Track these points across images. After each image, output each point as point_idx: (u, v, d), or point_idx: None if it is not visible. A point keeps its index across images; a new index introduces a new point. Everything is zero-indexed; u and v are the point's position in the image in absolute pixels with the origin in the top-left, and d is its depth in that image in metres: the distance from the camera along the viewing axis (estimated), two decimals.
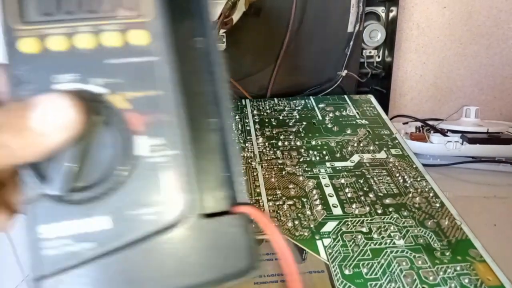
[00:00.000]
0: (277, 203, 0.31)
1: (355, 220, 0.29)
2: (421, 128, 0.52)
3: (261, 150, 0.38)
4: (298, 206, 0.30)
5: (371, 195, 0.31)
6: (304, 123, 0.42)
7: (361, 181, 0.33)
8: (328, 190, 0.32)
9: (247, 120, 0.43)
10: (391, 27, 0.55)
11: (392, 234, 0.28)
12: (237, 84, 0.48)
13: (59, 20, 0.16)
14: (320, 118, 0.43)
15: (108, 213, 0.16)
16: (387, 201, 0.31)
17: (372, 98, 0.47)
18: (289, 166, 0.35)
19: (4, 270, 0.32)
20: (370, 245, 0.27)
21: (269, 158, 0.36)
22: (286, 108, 0.45)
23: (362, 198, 0.31)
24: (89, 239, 0.15)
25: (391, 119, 0.49)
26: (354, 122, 0.42)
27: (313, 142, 0.39)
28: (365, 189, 0.32)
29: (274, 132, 0.41)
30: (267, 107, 0.46)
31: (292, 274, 0.16)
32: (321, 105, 0.46)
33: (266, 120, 0.43)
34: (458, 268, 0.25)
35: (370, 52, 0.56)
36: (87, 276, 0.15)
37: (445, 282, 0.24)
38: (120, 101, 0.16)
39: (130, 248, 0.16)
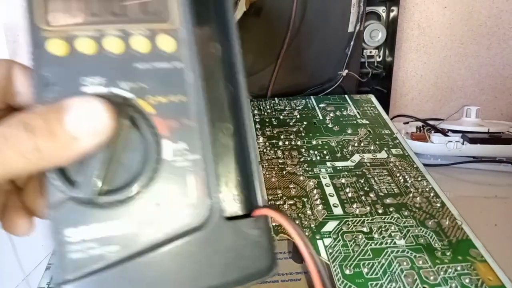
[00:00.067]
0: (277, 203, 0.31)
1: (356, 220, 0.29)
2: (421, 128, 0.52)
3: (261, 149, 0.38)
4: (298, 205, 0.30)
5: (371, 195, 0.31)
6: (305, 122, 0.42)
7: (362, 181, 0.33)
8: (329, 190, 0.32)
9: None
10: (391, 27, 0.55)
11: (392, 234, 0.28)
12: None
13: (87, 22, 0.16)
14: (321, 117, 0.43)
15: (133, 216, 0.16)
16: (388, 201, 0.31)
17: (372, 98, 0.47)
18: (290, 165, 0.35)
19: (4, 270, 0.32)
20: (370, 245, 0.27)
21: (269, 157, 0.36)
22: (286, 108, 0.45)
23: (363, 198, 0.31)
24: (113, 242, 0.15)
25: (391, 119, 0.49)
26: (355, 122, 0.42)
27: (314, 142, 0.39)
28: (365, 189, 0.32)
29: (274, 131, 0.41)
30: (268, 107, 0.46)
31: (316, 272, 0.16)
32: (321, 105, 0.46)
33: (267, 120, 0.43)
34: (458, 268, 0.25)
35: (370, 52, 0.56)
36: (110, 280, 0.15)
37: (445, 282, 0.24)
38: (146, 106, 0.16)
39: (153, 251, 0.16)
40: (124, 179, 0.16)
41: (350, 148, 0.38)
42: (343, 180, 0.33)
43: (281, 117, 0.43)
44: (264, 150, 0.38)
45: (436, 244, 0.27)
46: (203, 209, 0.16)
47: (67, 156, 0.14)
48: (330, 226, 0.28)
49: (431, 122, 0.53)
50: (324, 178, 0.34)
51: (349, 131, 0.40)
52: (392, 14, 0.55)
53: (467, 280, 0.24)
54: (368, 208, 0.30)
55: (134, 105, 0.16)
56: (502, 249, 0.27)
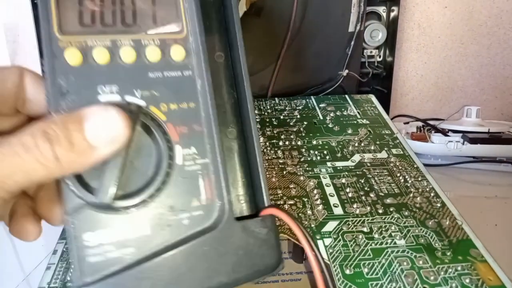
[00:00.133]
0: (278, 203, 0.31)
1: (356, 220, 0.29)
2: (422, 128, 0.52)
3: (262, 150, 0.38)
4: (299, 205, 0.30)
5: (372, 195, 0.31)
6: (305, 122, 0.42)
7: (362, 181, 0.33)
8: (329, 190, 0.32)
9: None
10: (392, 27, 0.55)
11: (393, 234, 0.28)
12: None
13: (102, 32, 0.17)
14: (321, 117, 0.43)
15: (147, 219, 0.16)
16: (388, 201, 0.31)
17: (373, 98, 0.47)
18: (290, 165, 0.35)
19: (4, 270, 0.32)
20: (371, 245, 0.27)
21: (270, 157, 0.36)
22: (287, 108, 0.45)
23: (363, 198, 0.31)
24: (129, 244, 0.16)
25: (392, 119, 0.49)
26: (355, 122, 0.42)
27: (314, 142, 0.39)
28: (366, 189, 0.32)
29: (275, 131, 0.41)
30: (268, 107, 0.46)
31: (318, 270, 0.17)
32: (322, 105, 0.46)
33: (267, 120, 0.43)
34: (459, 268, 0.25)
35: (371, 52, 0.55)
36: (127, 281, 0.16)
37: (446, 282, 0.24)
38: (158, 113, 0.17)
39: (168, 252, 0.16)
40: (138, 184, 0.16)
41: (350, 148, 0.38)
42: (343, 180, 0.33)
43: (282, 117, 0.43)
44: (265, 150, 0.38)
45: (437, 244, 0.27)
46: (214, 210, 0.17)
47: (85, 164, 0.15)
48: (331, 226, 0.28)
49: (431, 122, 0.53)
50: (325, 178, 0.34)
51: (350, 131, 0.40)
52: (392, 14, 0.55)
53: (467, 280, 0.24)
54: (369, 208, 0.30)
55: (147, 112, 0.17)
56: (502, 249, 0.27)
